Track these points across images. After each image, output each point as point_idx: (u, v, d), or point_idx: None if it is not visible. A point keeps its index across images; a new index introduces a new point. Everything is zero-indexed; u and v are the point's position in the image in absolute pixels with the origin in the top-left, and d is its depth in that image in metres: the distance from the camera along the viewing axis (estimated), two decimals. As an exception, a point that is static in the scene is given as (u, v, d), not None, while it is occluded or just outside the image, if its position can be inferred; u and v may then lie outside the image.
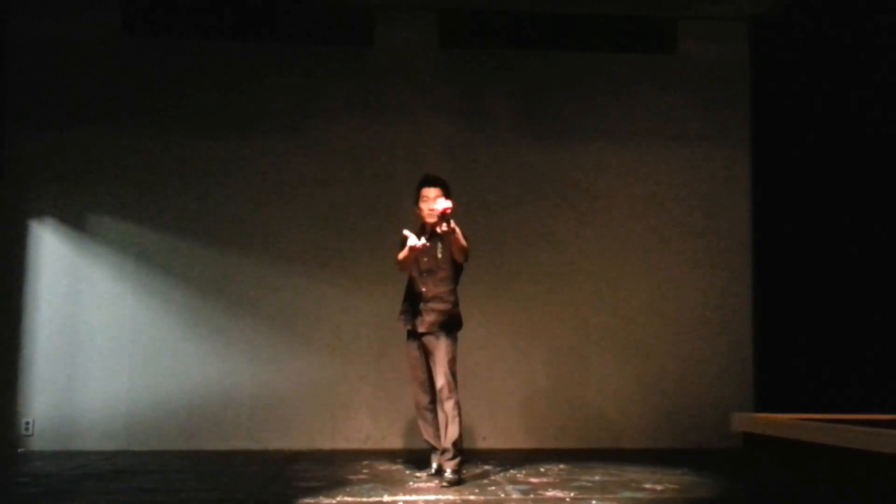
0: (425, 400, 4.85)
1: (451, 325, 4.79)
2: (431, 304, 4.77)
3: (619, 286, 6.81)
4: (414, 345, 4.86)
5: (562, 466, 5.36)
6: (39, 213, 6.51)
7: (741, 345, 6.79)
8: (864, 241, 5.74)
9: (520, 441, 6.55)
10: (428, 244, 4.73)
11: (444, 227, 4.52)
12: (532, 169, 6.84)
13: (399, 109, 6.82)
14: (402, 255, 4.72)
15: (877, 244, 5.62)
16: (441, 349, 4.72)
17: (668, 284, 6.83)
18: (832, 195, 6.06)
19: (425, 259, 4.78)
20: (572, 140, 6.92)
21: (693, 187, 6.94)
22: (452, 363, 4.74)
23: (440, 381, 4.69)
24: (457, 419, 4.66)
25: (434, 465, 4.86)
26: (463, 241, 4.71)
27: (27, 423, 6.31)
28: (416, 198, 4.87)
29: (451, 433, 4.65)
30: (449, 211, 4.49)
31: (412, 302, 4.85)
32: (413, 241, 4.62)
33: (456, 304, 4.84)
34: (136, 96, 6.64)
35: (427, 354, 4.81)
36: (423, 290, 4.79)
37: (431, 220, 4.73)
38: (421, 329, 4.78)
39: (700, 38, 6.92)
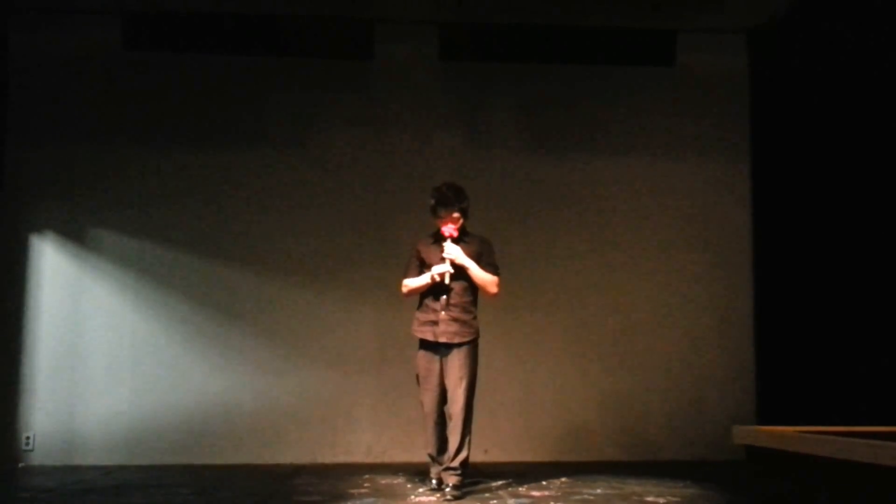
0: (435, 411, 4.74)
1: (472, 337, 4.71)
2: (453, 314, 4.67)
3: (620, 298, 6.81)
4: (429, 355, 4.72)
5: (564, 479, 5.35)
6: (40, 228, 6.53)
7: (743, 356, 6.78)
8: (865, 251, 5.73)
9: (522, 454, 6.53)
10: (452, 271, 4.62)
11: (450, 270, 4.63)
12: (532, 181, 6.85)
13: (400, 122, 6.83)
14: (418, 283, 4.71)
15: (879, 253, 5.61)
16: (464, 364, 4.64)
17: (668, 296, 6.83)
18: (832, 205, 6.06)
19: (440, 256, 4.67)
20: (572, 152, 6.93)
21: (693, 198, 6.95)
22: (473, 377, 4.67)
23: (459, 400, 4.60)
24: (468, 439, 4.63)
25: (434, 480, 4.83)
26: (480, 277, 4.68)
27: (28, 437, 6.29)
28: (433, 209, 4.77)
29: (462, 454, 4.62)
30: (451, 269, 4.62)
31: (430, 311, 4.71)
32: (438, 269, 4.60)
33: (476, 315, 4.77)
34: (136, 111, 6.66)
35: (444, 366, 4.70)
36: (444, 299, 4.67)
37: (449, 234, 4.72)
38: (442, 340, 4.66)
39: (699, 50, 6.93)
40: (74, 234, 6.54)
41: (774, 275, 6.65)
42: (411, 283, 4.78)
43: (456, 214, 4.73)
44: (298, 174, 6.74)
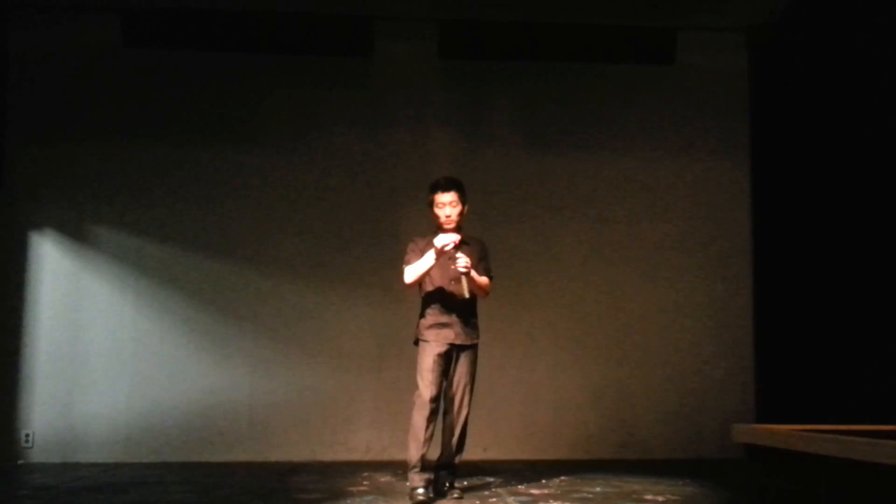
0: (433, 403, 4.54)
1: (478, 339, 4.67)
2: (468, 315, 4.59)
3: (619, 297, 6.81)
4: (441, 354, 4.53)
5: (563, 478, 5.35)
6: (39, 225, 6.52)
7: (743, 355, 6.78)
8: (864, 250, 5.73)
9: (521, 452, 6.53)
10: (456, 253, 4.41)
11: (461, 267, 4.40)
12: (532, 179, 6.85)
13: (399, 120, 6.83)
14: (422, 264, 4.47)
15: (878, 253, 5.61)
16: (470, 371, 4.61)
17: (668, 295, 6.83)
18: (832, 204, 6.06)
19: (453, 267, 4.45)
20: (572, 150, 6.93)
21: (693, 197, 6.95)
22: (474, 383, 4.67)
23: (465, 407, 4.59)
24: (466, 435, 4.65)
25: (422, 485, 4.46)
26: (482, 283, 4.59)
27: (27, 435, 6.29)
28: (430, 202, 4.64)
29: (461, 455, 4.64)
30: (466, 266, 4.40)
31: (443, 313, 4.56)
32: (443, 239, 4.39)
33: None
34: (136, 108, 6.65)
35: (450, 365, 4.58)
36: (458, 299, 4.51)
37: (449, 226, 4.55)
38: (458, 341, 4.55)
39: (699, 49, 6.93)
40: (73, 231, 6.53)
41: (774, 273, 6.64)
42: (415, 266, 4.55)
43: (453, 197, 4.59)
44: (297, 171, 6.74)
